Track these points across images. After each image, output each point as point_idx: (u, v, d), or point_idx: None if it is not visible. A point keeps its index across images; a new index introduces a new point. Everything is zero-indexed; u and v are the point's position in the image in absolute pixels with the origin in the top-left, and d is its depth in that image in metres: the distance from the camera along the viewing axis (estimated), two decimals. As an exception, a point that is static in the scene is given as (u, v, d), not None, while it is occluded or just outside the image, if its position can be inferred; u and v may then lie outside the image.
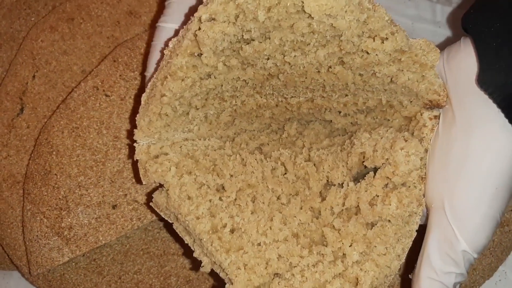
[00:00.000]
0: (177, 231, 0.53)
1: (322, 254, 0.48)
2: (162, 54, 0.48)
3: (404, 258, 0.48)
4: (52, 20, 0.68)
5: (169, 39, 0.47)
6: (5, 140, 0.65)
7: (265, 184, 0.53)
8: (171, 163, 0.51)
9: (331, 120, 0.55)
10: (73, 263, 0.62)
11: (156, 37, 0.56)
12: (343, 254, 0.48)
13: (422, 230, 0.48)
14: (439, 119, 0.48)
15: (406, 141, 0.47)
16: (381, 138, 0.49)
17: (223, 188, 0.52)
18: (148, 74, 0.56)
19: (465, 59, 0.45)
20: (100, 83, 0.62)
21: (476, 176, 0.44)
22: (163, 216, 0.53)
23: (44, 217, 0.59)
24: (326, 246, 0.49)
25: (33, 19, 0.72)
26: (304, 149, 0.55)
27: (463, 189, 0.44)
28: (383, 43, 0.43)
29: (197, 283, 0.66)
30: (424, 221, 0.48)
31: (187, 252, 0.62)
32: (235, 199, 0.51)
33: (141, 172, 0.52)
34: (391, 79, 0.47)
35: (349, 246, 0.48)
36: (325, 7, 0.39)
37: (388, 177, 0.48)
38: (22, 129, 0.66)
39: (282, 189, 0.53)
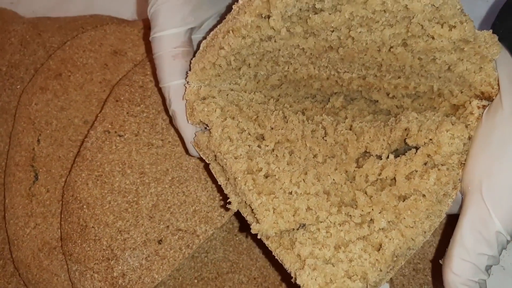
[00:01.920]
0: (212, 171, 0.54)
1: (350, 215, 0.49)
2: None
3: (429, 236, 0.48)
4: (40, 81, 0.68)
5: (175, 47, 0.50)
6: (29, 210, 0.63)
7: (303, 142, 0.54)
8: (217, 106, 0.52)
9: (377, 100, 0.56)
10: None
11: (157, 48, 0.55)
12: (371, 219, 0.48)
13: (454, 220, 0.48)
14: (485, 109, 0.49)
15: (453, 124, 0.48)
16: (427, 120, 0.50)
17: (262, 137, 0.53)
18: (165, 85, 0.55)
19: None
20: (110, 126, 0.61)
21: None
22: (201, 155, 0.55)
23: (94, 272, 0.58)
24: (356, 209, 0.49)
25: (18, 86, 0.72)
26: (347, 119, 0.55)
27: (503, 171, 0.44)
28: (450, 30, 0.44)
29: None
30: (458, 210, 0.49)
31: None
32: (273, 150, 0.52)
33: (188, 111, 0.54)
34: (449, 67, 0.48)
35: (379, 213, 0.48)
36: None
37: (429, 155, 0.48)
38: (43, 195, 0.64)
39: (319, 149, 0.54)
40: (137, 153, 0.60)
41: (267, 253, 0.65)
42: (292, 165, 0.51)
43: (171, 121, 0.59)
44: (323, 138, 0.55)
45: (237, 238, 0.65)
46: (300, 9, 0.43)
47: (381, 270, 0.47)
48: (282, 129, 0.54)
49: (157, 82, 0.58)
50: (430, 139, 0.49)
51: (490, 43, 0.46)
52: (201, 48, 0.51)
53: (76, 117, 0.67)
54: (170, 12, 0.55)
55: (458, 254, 0.45)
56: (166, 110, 0.59)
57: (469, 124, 0.49)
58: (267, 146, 0.52)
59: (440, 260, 0.48)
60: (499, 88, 0.47)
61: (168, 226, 0.59)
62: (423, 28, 0.44)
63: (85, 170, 0.60)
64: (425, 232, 0.48)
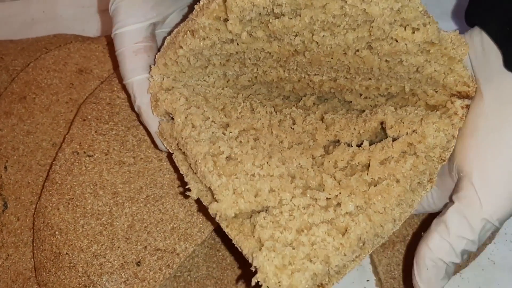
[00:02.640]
0: (175, 160, 0.53)
1: (316, 198, 0.47)
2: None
3: (399, 226, 0.47)
4: (4, 106, 0.65)
5: (136, 42, 0.51)
6: (0, 241, 0.61)
7: (270, 130, 0.52)
8: (182, 95, 0.52)
9: (351, 101, 0.55)
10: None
11: (119, 44, 0.54)
12: (338, 203, 0.47)
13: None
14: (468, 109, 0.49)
15: (439, 118, 0.47)
16: (410, 113, 0.49)
17: (227, 125, 0.52)
18: (128, 81, 0.54)
19: (486, 43, 0.47)
20: (78, 147, 0.59)
21: (509, 147, 0.44)
22: (165, 145, 0.54)
23: (70, 301, 0.55)
24: (322, 192, 0.47)
25: (-20, 114, 0.69)
26: (318, 111, 0.54)
27: (494, 159, 0.45)
28: (414, 33, 0.43)
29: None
30: (437, 209, 0.49)
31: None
32: (237, 137, 0.51)
33: (153, 104, 0.53)
34: (417, 69, 0.47)
35: (347, 196, 0.47)
36: None
37: (410, 144, 0.47)
38: (13, 224, 0.61)
39: (286, 136, 0.52)
40: (108, 172, 0.58)
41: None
42: (256, 149, 0.50)
43: (138, 118, 0.57)
44: (290, 127, 0.53)
45: (219, 254, 0.63)
46: (260, 14, 0.42)
47: (345, 255, 0.44)
48: (248, 118, 0.53)
49: (125, 97, 0.56)
50: (414, 130, 0.47)
51: (457, 44, 0.45)
52: (165, 44, 0.51)
53: (43, 140, 0.64)
54: (131, 8, 0.54)
55: (438, 230, 0.45)
56: (132, 108, 0.58)
57: (453, 124, 0.48)
58: (231, 132, 0.51)
59: (422, 233, 0.48)
60: (478, 81, 0.47)
61: (146, 247, 0.56)
62: (385, 31, 0.43)
63: (55, 194, 0.58)
64: (394, 221, 0.47)
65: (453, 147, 0.49)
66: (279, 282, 0.42)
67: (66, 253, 0.56)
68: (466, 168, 0.46)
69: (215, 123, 0.51)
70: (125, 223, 0.57)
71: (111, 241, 0.56)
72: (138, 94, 0.54)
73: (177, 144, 0.52)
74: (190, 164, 0.51)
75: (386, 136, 0.50)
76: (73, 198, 0.57)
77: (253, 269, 0.44)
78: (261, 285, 0.43)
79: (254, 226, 0.46)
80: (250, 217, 0.47)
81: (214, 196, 0.47)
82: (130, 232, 0.56)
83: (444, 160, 0.48)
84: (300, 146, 0.52)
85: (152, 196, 0.58)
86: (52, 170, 0.59)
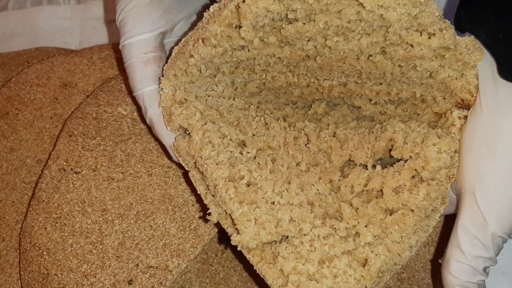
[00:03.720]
0: (192, 179, 0.52)
1: (335, 228, 0.47)
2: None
3: (415, 251, 0.48)
4: (-15, 122, 0.63)
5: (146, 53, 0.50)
6: (-16, 263, 0.59)
7: (286, 149, 0.52)
8: (196, 109, 0.50)
9: (360, 107, 0.54)
10: None
11: (127, 56, 0.53)
12: (357, 233, 0.47)
13: (451, 220, 0.48)
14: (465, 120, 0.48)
15: (439, 137, 0.47)
16: (413, 132, 0.49)
17: (244, 144, 0.51)
18: (138, 92, 0.53)
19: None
20: (65, 163, 0.57)
21: (506, 160, 0.44)
22: (181, 161, 0.52)
23: (60, 323, 0.53)
24: (341, 222, 0.48)
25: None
26: (331, 126, 0.53)
27: (493, 172, 0.44)
28: (430, 38, 0.42)
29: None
30: (454, 210, 0.49)
31: None
32: (255, 157, 0.50)
33: (166, 118, 0.51)
34: (430, 73, 0.46)
35: (365, 227, 0.47)
36: None
37: (416, 170, 0.47)
38: (-2, 245, 0.59)
39: (302, 157, 0.52)
40: (96, 189, 0.57)
41: (245, 282, 0.62)
42: (275, 174, 0.50)
43: (150, 130, 0.56)
44: (305, 145, 0.53)
45: (212, 268, 0.62)
46: (273, 19, 0.42)
47: (366, 287, 0.45)
48: (263, 135, 0.52)
49: (112, 111, 0.55)
50: (417, 153, 0.47)
51: (472, 49, 0.45)
52: (172, 54, 0.50)
53: (28, 157, 0.63)
54: (138, 18, 0.53)
55: (455, 257, 0.45)
56: (143, 120, 0.56)
57: (453, 136, 0.48)
58: (249, 153, 0.50)
59: (439, 260, 0.48)
60: (478, 91, 0.46)
61: (137, 264, 0.55)
62: (401, 37, 0.43)
63: (41, 213, 0.56)
64: (411, 247, 0.47)
65: (457, 161, 0.48)
66: None
67: (55, 274, 0.54)
68: (465, 186, 0.45)
69: (232, 141, 0.50)
70: (116, 241, 0.55)
71: (102, 260, 0.55)
72: (149, 105, 0.52)
73: (194, 162, 0.50)
74: (208, 185, 0.50)
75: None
76: (60, 217, 0.55)
77: None
78: None
79: (276, 256, 0.47)
80: (271, 243, 0.48)
81: (236, 226, 0.47)
82: (121, 250, 0.55)
83: (452, 177, 0.48)
84: (317, 169, 0.51)
85: (142, 212, 0.56)
86: (38, 188, 0.57)
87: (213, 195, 0.50)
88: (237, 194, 0.47)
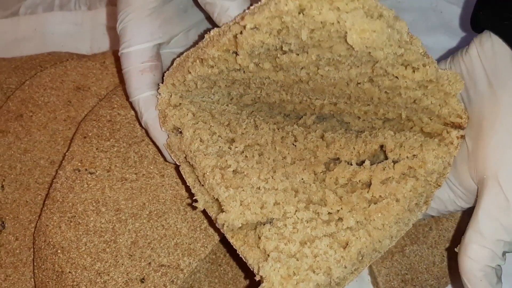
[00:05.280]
0: (182, 172, 0.55)
1: (318, 212, 0.49)
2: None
3: (395, 242, 0.50)
4: (0, 124, 0.65)
5: (143, 62, 0.54)
6: (-2, 261, 0.60)
7: (273, 146, 0.54)
8: (189, 111, 0.53)
9: (349, 122, 0.57)
10: None
11: (125, 63, 0.55)
12: (339, 218, 0.49)
13: (468, 211, 0.49)
14: (464, 139, 0.51)
15: (439, 146, 0.50)
16: (409, 139, 0.52)
17: (233, 141, 0.54)
18: (135, 98, 0.55)
19: (497, 46, 0.48)
20: (79, 164, 0.59)
21: None
22: (173, 157, 0.55)
23: (74, 321, 0.54)
24: (324, 207, 0.50)
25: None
26: (318, 130, 0.56)
27: None
28: (414, 72, 0.45)
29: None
30: (474, 202, 0.50)
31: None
32: (243, 151, 0.53)
33: (161, 120, 0.54)
34: (414, 100, 0.49)
35: (348, 212, 0.49)
36: (367, 41, 0.40)
37: (411, 167, 0.50)
38: (11, 244, 0.60)
39: (288, 153, 0.54)
40: (110, 189, 0.58)
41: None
42: (261, 164, 0.52)
43: (147, 133, 0.58)
44: (292, 143, 0.55)
45: (221, 269, 0.63)
46: (268, 49, 0.44)
47: (345, 267, 0.47)
48: (252, 134, 0.54)
49: (125, 114, 0.57)
50: (415, 155, 0.50)
51: (453, 81, 0.47)
52: (174, 64, 0.53)
53: (41, 158, 0.64)
54: (138, 28, 0.55)
55: (475, 240, 0.46)
56: (140, 124, 0.58)
57: (450, 152, 0.50)
58: (237, 147, 0.53)
59: (455, 248, 0.48)
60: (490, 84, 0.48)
61: (150, 263, 0.56)
62: (387, 71, 0.45)
63: (56, 212, 0.57)
64: (392, 237, 0.49)
65: (448, 174, 0.51)
66: None
67: (69, 272, 0.55)
68: (488, 171, 0.47)
69: (221, 137, 0.53)
70: (129, 240, 0.56)
71: (115, 258, 0.56)
72: (145, 110, 0.55)
73: (185, 157, 0.53)
74: (197, 176, 0.52)
75: (384, 158, 0.53)
76: (75, 216, 0.57)
77: (258, 278, 0.47)
78: None
79: (259, 237, 0.48)
80: (255, 228, 0.49)
81: (222, 207, 0.49)
82: (133, 248, 0.56)
83: (439, 185, 0.51)
84: (302, 162, 0.54)
85: (155, 212, 0.58)
86: (53, 188, 0.58)
87: (202, 185, 0.52)
88: (223, 180, 0.49)
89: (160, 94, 0.54)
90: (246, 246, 0.49)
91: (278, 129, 0.56)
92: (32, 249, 0.60)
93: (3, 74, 0.71)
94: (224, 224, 0.49)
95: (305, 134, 0.56)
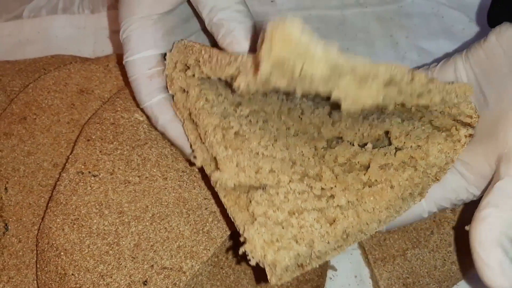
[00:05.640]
0: (185, 129, 0.55)
1: (312, 186, 0.50)
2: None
3: (382, 228, 0.50)
4: (4, 127, 0.65)
5: (150, 68, 0.54)
6: (0, 263, 0.60)
7: (279, 115, 0.55)
8: (196, 74, 0.53)
9: None
10: None
11: (131, 71, 0.56)
12: (331, 195, 0.50)
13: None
14: (472, 138, 0.51)
15: (445, 140, 0.50)
16: (416, 128, 0.52)
17: (239, 104, 0.54)
18: (147, 104, 0.56)
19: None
20: (83, 167, 0.59)
21: None
22: (178, 114, 0.55)
23: (77, 323, 0.54)
24: (318, 182, 0.51)
25: (-21, 136, 0.68)
26: (326, 107, 0.56)
27: None
28: (418, 98, 0.45)
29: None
30: (484, 191, 0.49)
31: None
32: (247, 115, 0.53)
33: (168, 83, 0.55)
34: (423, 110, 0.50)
35: (341, 191, 0.50)
36: (363, 105, 0.39)
37: (413, 157, 0.50)
38: (14, 246, 0.60)
39: (293, 124, 0.55)
40: (113, 192, 0.58)
41: (254, 285, 0.63)
42: (264, 131, 0.52)
43: (164, 136, 0.59)
44: (298, 116, 0.56)
45: (223, 271, 0.63)
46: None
47: (328, 243, 0.48)
48: (260, 101, 0.55)
49: (129, 117, 0.57)
50: (419, 146, 0.50)
51: (461, 93, 0.47)
52: (175, 49, 0.54)
53: (45, 161, 0.64)
54: (142, 37, 0.55)
55: (488, 213, 0.43)
56: (155, 128, 0.59)
57: (455, 149, 0.50)
58: (242, 111, 0.53)
59: (466, 227, 0.45)
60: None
61: (152, 266, 0.56)
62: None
63: (59, 215, 0.57)
64: (380, 222, 0.50)
65: (448, 170, 0.51)
66: (264, 255, 0.46)
67: (72, 274, 0.55)
68: (508, 147, 0.45)
69: (227, 100, 0.53)
70: (132, 242, 0.57)
71: (118, 261, 0.56)
72: (160, 113, 0.55)
73: (189, 114, 0.53)
74: (199, 134, 0.53)
75: (388, 144, 0.54)
76: (78, 218, 0.57)
77: (243, 240, 0.48)
78: (247, 256, 0.46)
79: (250, 201, 0.49)
80: (248, 192, 0.50)
81: (218, 166, 0.50)
82: (136, 251, 0.56)
83: (438, 180, 0.51)
84: (305, 136, 0.55)
85: (158, 215, 0.58)
86: (56, 190, 0.59)
87: (202, 143, 0.52)
88: (224, 139, 0.50)
89: (165, 59, 0.55)
90: (236, 207, 0.50)
91: (287, 100, 0.56)
92: (35, 252, 0.60)
93: (7, 77, 0.71)
94: (217, 182, 0.50)
95: (313, 109, 0.56)
